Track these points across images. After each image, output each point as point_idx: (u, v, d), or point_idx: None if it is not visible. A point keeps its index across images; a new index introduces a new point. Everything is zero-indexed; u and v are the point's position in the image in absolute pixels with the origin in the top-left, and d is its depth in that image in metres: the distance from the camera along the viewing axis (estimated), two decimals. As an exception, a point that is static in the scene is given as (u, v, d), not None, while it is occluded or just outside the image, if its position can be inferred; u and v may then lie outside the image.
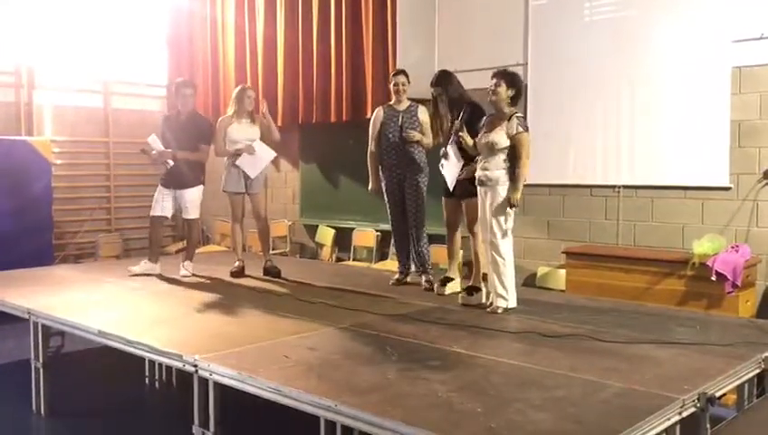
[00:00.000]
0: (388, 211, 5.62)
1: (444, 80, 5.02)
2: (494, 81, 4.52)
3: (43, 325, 4.63)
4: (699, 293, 5.29)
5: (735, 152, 5.62)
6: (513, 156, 4.44)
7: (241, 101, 5.91)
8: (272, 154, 6.01)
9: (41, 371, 4.70)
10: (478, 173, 4.57)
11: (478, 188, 4.58)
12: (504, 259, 4.46)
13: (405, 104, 5.48)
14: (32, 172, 8.00)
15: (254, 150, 5.87)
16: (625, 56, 6.11)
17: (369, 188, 5.65)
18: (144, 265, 5.96)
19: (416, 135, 5.34)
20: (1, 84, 8.53)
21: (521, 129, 4.42)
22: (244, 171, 5.89)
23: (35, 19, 8.57)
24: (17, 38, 8.48)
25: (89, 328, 4.20)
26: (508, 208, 4.43)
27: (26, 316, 4.69)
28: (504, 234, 4.47)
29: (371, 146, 5.58)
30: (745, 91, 5.58)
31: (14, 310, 4.86)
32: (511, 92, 4.50)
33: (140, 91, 9.77)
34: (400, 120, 5.43)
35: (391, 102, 5.54)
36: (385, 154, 5.50)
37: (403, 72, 5.52)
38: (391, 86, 5.49)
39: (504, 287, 4.47)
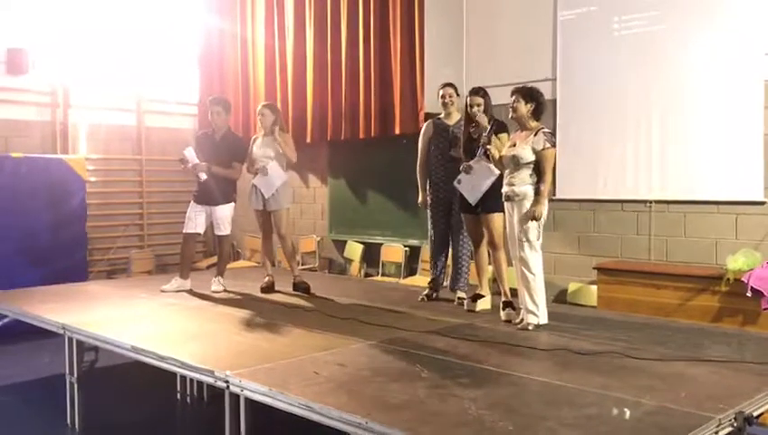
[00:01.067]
0: (430, 226, 5.59)
1: (485, 92, 5.00)
2: (513, 98, 4.53)
3: (78, 340, 4.69)
4: (734, 309, 5.20)
5: (770, 166, 5.54)
6: (539, 171, 4.43)
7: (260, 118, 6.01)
8: (282, 178, 6.00)
9: (75, 385, 4.76)
10: (505, 188, 4.55)
11: (505, 203, 4.57)
12: (534, 275, 4.43)
13: (455, 118, 5.44)
14: (67, 190, 8.15)
15: (266, 172, 5.92)
16: (655, 70, 6.07)
17: (419, 201, 5.64)
18: (175, 282, 6.03)
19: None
20: (38, 104, 8.73)
21: (547, 144, 4.40)
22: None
23: (70, 40, 8.77)
24: (53, 59, 8.69)
25: (122, 343, 4.26)
26: (534, 223, 4.40)
27: (61, 332, 4.77)
28: (533, 249, 4.44)
29: (420, 159, 5.58)
30: (779, 105, 5.50)
31: (50, 325, 4.94)
32: (530, 106, 4.49)
33: (172, 109, 9.94)
34: (450, 134, 5.42)
35: (441, 116, 5.51)
36: (433, 169, 5.49)
37: (451, 84, 5.48)
38: (439, 98, 5.47)
39: (534, 303, 4.43)
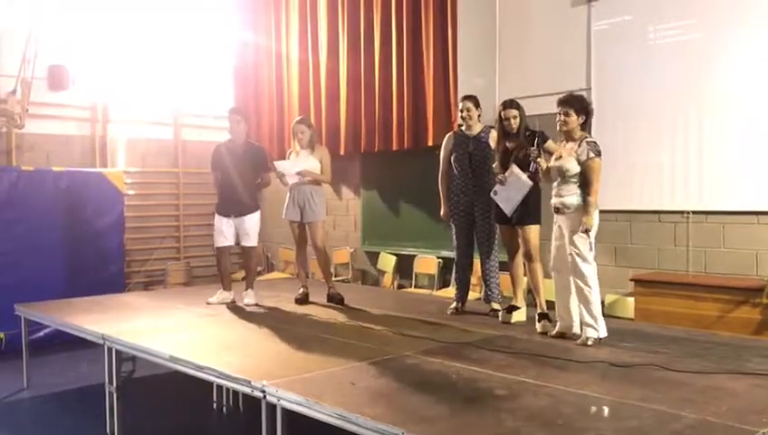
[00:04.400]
0: (454, 237, 5.59)
1: (519, 104, 4.96)
2: (562, 109, 4.43)
3: (117, 350, 4.77)
4: (776, 322, 5.09)
5: (811, 176, 5.42)
6: (585, 181, 4.37)
7: (294, 135, 6.06)
8: (297, 174, 5.93)
9: (114, 395, 4.83)
10: (553, 200, 4.51)
11: (555, 215, 4.53)
12: (590, 287, 4.34)
13: (476, 130, 5.43)
14: (106, 203, 8.31)
15: (294, 162, 5.95)
16: (691, 79, 6.00)
17: (442, 213, 5.65)
18: (220, 294, 6.10)
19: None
20: (78, 119, 8.94)
21: (592, 154, 4.33)
22: (298, 200, 5.97)
23: (109, 57, 8.97)
24: (92, 75, 8.89)
25: (160, 353, 4.33)
26: (585, 234, 4.33)
27: (101, 341, 4.85)
28: (586, 261, 4.35)
29: (442, 171, 5.60)
30: (821, 113, 5.39)
31: (90, 335, 5.04)
32: (581, 119, 4.44)
33: (208, 123, 10.06)
34: (470, 146, 5.42)
35: (462, 127, 5.52)
36: (454, 181, 5.50)
37: (470, 97, 5.46)
38: (459, 112, 5.49)
39: (592, 317, 4.33)
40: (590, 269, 4.36)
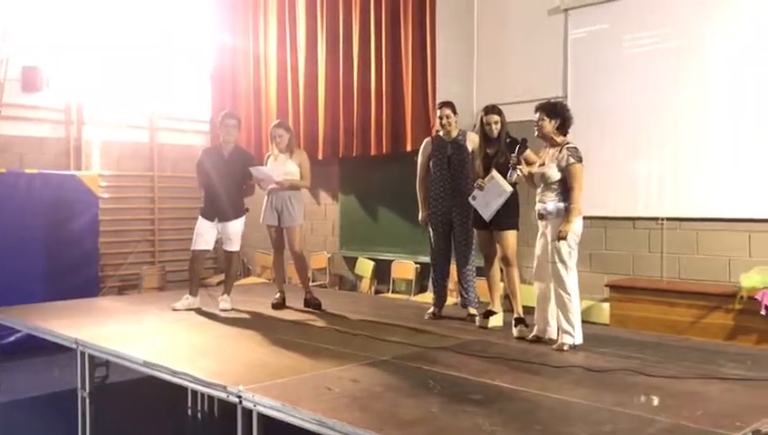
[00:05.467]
0: (432, 242, 5.60)
1: (500, 110, 4.99)
2: (537, 115, 4.49)
3: (90, 355, 4.70)
4: (748, 327, 5.17)
5: (783, 183, 5.52)
6: (567, 187, 4.38)
7: (272, 139, 6.03)
8: (275, 178, 5.90)
9: (87, 400, 4.76)
10: (537, 206, 4.53)
11: (538, 221, 4.54)
12: (569, 294, 4.35)
13: (454, 134, 5.44)
14: (80, 206, 8.19)
15: (272, 168, 5.93)
16: (666, 87, 6.08)
17: (420, 218, 5.65)
18: (186, 300, 6.00)
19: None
20: (52, 121, 8.83)
21: (572, 160, 4.35)
22: (276, 204, 5.96)
23: (84, 58, 8.87)
24: (67, 76, 8.79)
25: (134, 358, 4.27)
26: (570, 241, 4.34)
27: (74, 346, 4.78)
28: (567, 268, 4.35)
29: (420, 176, 5.60)
30: (792, 122, 5.49)
31: (62, 340, 4.96)
32: (555, 123, 4.46)
33: (185, 127, 10.02)
34: (449, 150, 5.43)
35: (440, 133, 5.53)
36: (432, 186, 5.51)
37: (448, 104, 5.46)
38: (437, 119, 5.49)
39: (570, 324, 4.34)
40: (570, 276, 4.37)
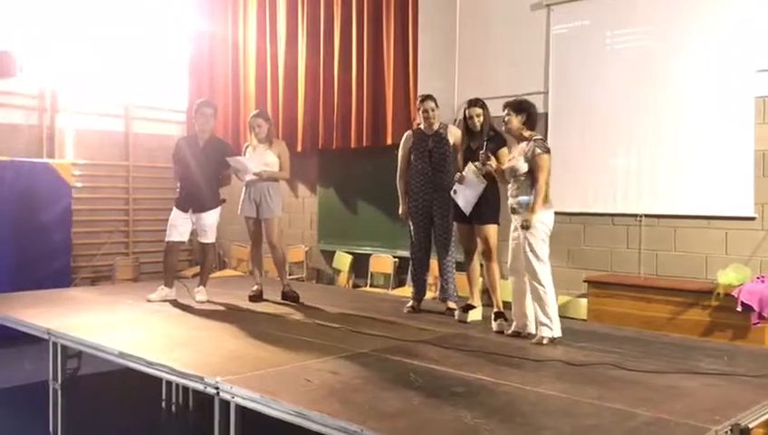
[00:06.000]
0: (412, 236, 5.56)
1: (483, 103, 4.98)
2: (505, 112, 4.54)
3: (63, 346, 4.61)
4: (724, 324, 5.21)
5: (760, 182, 5.57)
6: (534, 179, 4.41)
7: (250, 129, 5.96)
8: (253, 169, 5.83)
9: (59, 392, 4.67)
10: (509, 201, 4.54)
11: (511, 215, 4.55)
12: (544, 286, 4.35)
13: (434, 127, 5.42)
14: (53, 195, 8.05)
15: (251, 159, 5.85)
16: (647, 85, 6.11)
17: (400, 211, 5.61)
18: (161, 291, 5.90)
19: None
20: (24, 107, 8.65)
21: (538, 150, 4.37)
22: (254, 196, 5.89)
23: (59, 44, 8.71)
24: (41, 62, 8.61)
25: (109, 349, 4.18)
26: (541, 234, 4.35)
27: (46, 336, 4.68)
28: (540, 260, 4.36)
29: (400, 169, 5.56)
30: (770, 121, 5.55)
31: (34, 330, 4.85)
32: (522, 118, 4.49)
33: (161, 116, 9.88)
34: (430, 143, 5.40)
35: (421, 126, 5.50)
36: (413, 179, 5.47)
37: (430, 96, 5.43)
38: (421, 113, 5.42)
39: (547, 316, 4.34)
40: (543, 268, 4.39)
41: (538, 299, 4.37)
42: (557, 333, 4.37)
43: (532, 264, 4.37)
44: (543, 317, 4.35)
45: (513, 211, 4.51)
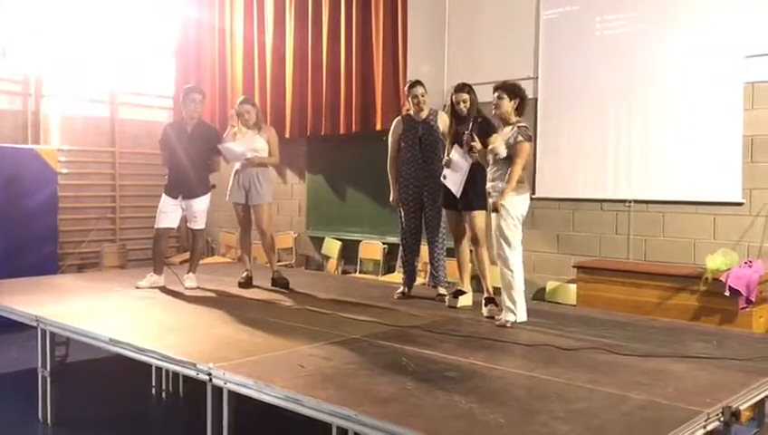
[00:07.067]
0: (402, 222, 5.55)
1: (471, 88, 4.95)
2: (496, 94, 4.50)
3: (51, 333, 4.57)
4: (712, 308, 5.25)
5: (748, 167, 5.60)
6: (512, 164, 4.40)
7: (239, 116, 5.89)
8: (244, 155, 5.80)
9: (48, 379, 4.64)
10: (487, 186, 4.55)
11: (488, 200, 4.55)
12: (511, 271, 4.39)
13: (425, 114, 5.40)
14: (38, 181, 7.96)
15: (240, 145, 5.80)
16: (637, 70, 6.12)
17: (391, 198, 5.59)
18: (150, 278, 5.86)
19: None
20: (9, 93, 8.53)
21: (520, 138, 4.37)
22: (243, 182, 5.86)
23: (44, 28, 8.58)
24: (26, 47, 8.49)
25: (99, 336, 4.15)
26: (514, 219, 4.37)
27: (34, 324, 4.64)
28: (510, 246, 4.39)
29: (390, 156, 5.54)
30: (758, 107, 5.57)
31: (22, 317, 4.81)
32: (515, 103, 4.48)
33: (147, 102, 9.78)
34: (420, 130, 5.38)
35: (411, 112, 5.48)
36: (403, 165, 5.45)
37: (419, 82, 5.41)
38: (410, 99, 5.39)
39: (512, 301, 4.40)
40: (514, 254, 4.40)
41: (505, 283, 4.41)
42: (521, 317, 4.43)
43: (503, 248, 4.40)
44: (508, 302, 4.41)
45: (489, 195, 4.53)
